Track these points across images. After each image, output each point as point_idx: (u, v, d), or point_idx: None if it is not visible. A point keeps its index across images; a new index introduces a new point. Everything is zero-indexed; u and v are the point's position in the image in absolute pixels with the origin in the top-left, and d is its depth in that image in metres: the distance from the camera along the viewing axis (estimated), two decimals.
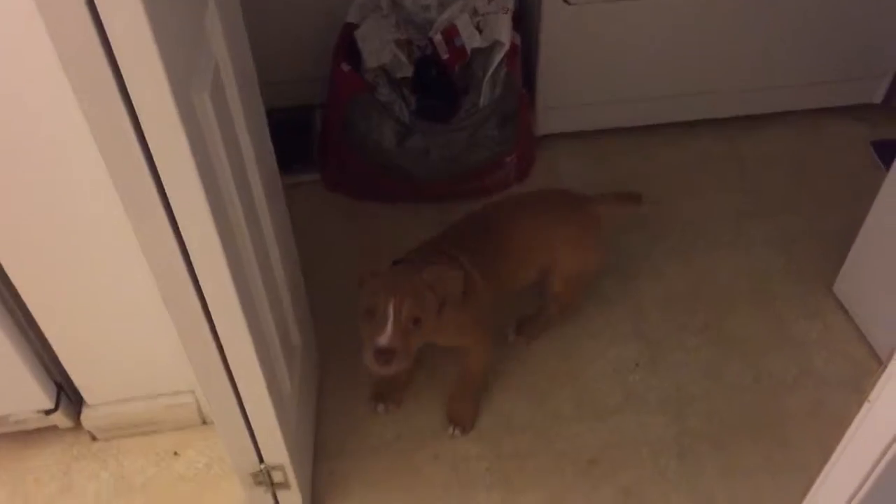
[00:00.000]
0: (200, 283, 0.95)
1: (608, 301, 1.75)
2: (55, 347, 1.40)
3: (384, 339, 1.18)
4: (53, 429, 1.56)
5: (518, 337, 1.66)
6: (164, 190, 0.84)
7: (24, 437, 1.56)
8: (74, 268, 1.27)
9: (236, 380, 1.11)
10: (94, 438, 1.57)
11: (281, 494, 1.36)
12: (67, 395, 1.52)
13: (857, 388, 1.57)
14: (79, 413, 1.54)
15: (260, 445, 1.25)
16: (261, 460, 1.28)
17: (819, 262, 1.80)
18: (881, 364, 0.81)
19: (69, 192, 1.16)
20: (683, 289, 1.78)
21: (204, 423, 1.58)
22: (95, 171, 1.09)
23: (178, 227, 0.87)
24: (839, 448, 0.90)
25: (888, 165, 1.51)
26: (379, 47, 1.81)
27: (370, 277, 1.27)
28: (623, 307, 1.74)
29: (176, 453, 1.55)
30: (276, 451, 1.26)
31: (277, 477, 1.31)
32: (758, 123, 2.11)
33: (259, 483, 1.32)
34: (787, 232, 1.88)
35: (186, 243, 0.89)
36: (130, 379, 1.50)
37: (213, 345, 1.04)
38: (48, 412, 1.50)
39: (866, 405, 0.83)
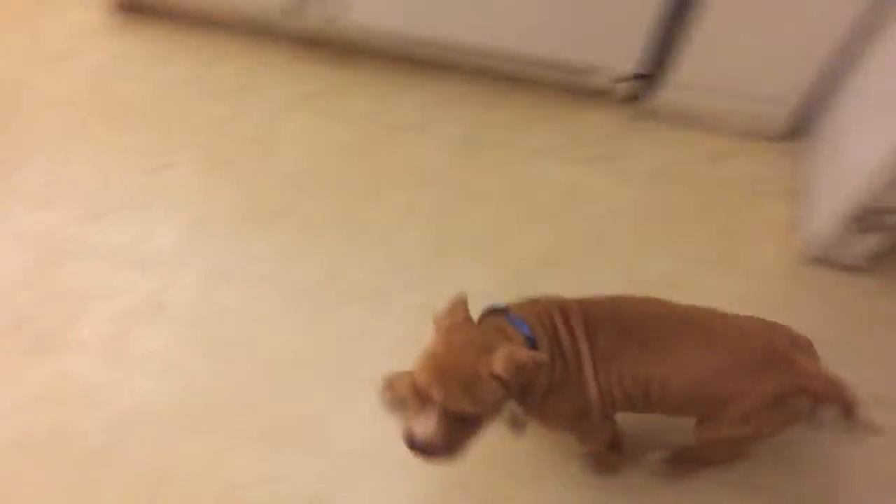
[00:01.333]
0: None
1: None
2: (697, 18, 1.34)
3: (420, 430, 0.83)
4: (610, 99, 1.56)
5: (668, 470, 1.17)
6: None
7: (583, 98, 1.58)
8: None
9: None
10: (647, 119, 1.55)
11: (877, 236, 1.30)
12: (651, 70, 1.49)
13: None
14: (646, 92, 1.52)
15: None
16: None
17: None
18: None
19: None
20: None
21: (758, 140, 1.52)
22: None
23: None
24: None
25: None
26: None
27: (439, 321, 0.90)
28: None
29: (721, 158, 1.52)
30: None
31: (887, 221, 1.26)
32: None
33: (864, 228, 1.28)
34: None
35: None
36: (724, 72, 1.43)
37: None
38: (623, 80, 1.50)
39: None
